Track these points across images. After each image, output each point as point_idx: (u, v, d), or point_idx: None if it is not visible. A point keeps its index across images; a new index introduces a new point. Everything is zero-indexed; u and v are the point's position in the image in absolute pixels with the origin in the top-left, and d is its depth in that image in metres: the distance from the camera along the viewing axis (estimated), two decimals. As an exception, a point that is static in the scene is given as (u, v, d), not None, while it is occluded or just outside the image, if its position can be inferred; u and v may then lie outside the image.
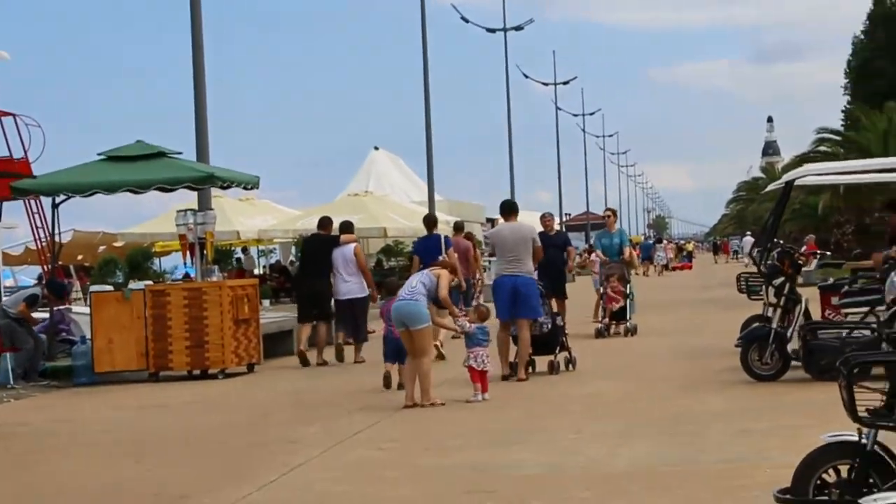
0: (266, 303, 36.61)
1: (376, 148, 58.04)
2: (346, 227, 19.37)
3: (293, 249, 43.64)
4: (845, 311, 13.11)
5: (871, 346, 5.86)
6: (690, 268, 70.79)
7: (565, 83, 78.33)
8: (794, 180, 13.20)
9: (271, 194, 79.25)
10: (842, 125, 52.72)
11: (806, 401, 11.67)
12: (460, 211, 55.72)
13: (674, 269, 70.20)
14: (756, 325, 15.29)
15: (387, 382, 14.33)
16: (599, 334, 20.50)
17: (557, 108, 79.04)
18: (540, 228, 18.92)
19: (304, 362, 18.34)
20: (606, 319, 20.82)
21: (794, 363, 13.16)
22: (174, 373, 17.58)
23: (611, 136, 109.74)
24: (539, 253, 15.06)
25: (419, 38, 38.85)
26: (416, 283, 12.88)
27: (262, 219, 43.60)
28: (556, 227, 24.93)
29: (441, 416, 12.26)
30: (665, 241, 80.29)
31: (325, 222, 19.60)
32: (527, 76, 71.85)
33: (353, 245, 18.89)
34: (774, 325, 13.16)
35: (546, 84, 76.49)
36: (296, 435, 11.47)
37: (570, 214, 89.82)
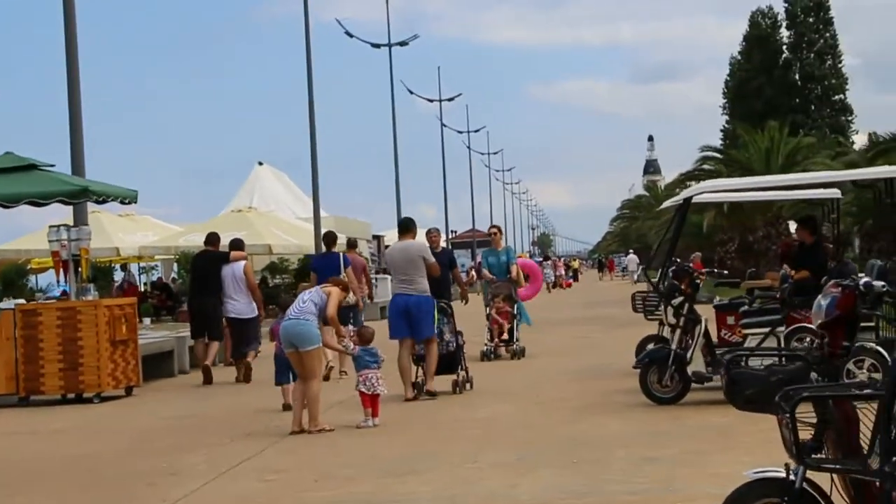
0: (147, 321, 35.66)
1: (260, 163, 57.18)
2: (236, 244, 19.04)
3: (175, 266, 42.62)
4: (745, 331, 12.82)
5: (800, 376, 5.44)
6: (570, 285, 70.86)
7: (450, 100, 78.18)
8: (692, 197, 12.90)
9: (153, 210, 77.74)
10: (721, 144, 53.35)
11: (707, 425, 11.35)
12: (346, 227, 55.08)
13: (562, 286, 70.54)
14: (654, 346, 14.98)
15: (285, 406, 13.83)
16: (485, 357, 19.54)
17: (443, 125, 78.76)
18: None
19: (207, 378, 18.07)
20: (495, 341, 19.99)
21: (693, 385, 12.89)
22: (47, 397, 16.69)
23: (496, 153, 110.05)
24: (434, 270, 14.81)
25: (304, 52, 38.18)
26: (307, 301, 12.39)
27: (142, 235, 42.50)
28: (443, 244, 23.66)
29: (331, 443, 11.67)
30: (553, 259, 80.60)
31: (212, 238, 19.39)
32: (412, 92, 71.53)
33: (242, 262, 18.64)
34: (674, 347, 12.83)
35: (431, 100, 76.14)
36: (177, 465, 10.78)
37: (455, 231, 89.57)
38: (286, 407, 13.59)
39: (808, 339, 14.58)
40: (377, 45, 58.50)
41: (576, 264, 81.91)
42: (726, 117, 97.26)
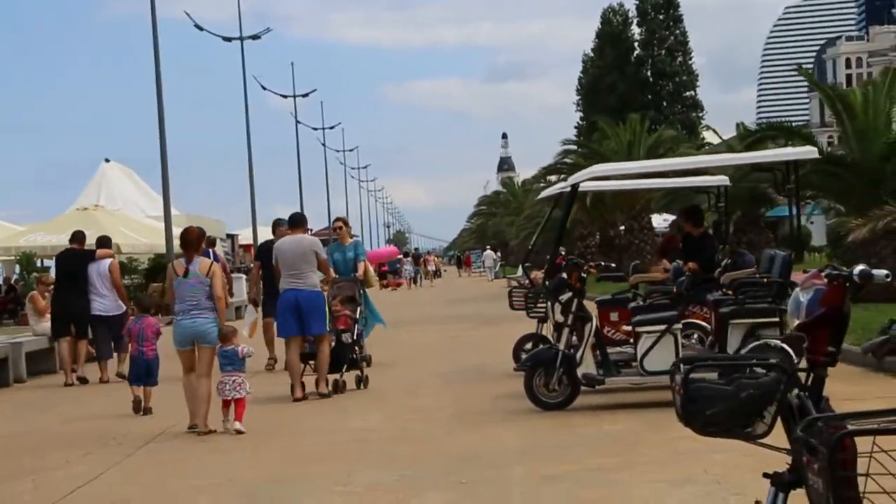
0: (-15, 325, 33.51)
1: (107, 160, 55.19)
2: (103, 241, 19.04)
3: (16, 267, 40.44)
4: (638, 329, 11.76)
5: (774, 390, 4.33)
6: (400, 285, 68.96)
7: (304, 95, 76.47)
8: (579, 183, 11.79)
9: (7, 213, 74.64)
10: (566, 142, 52.97)
11: (603, 434, 10.25)
12: (199, 226, 53.22)
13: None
14: (535, 346, 13.91)
15: (136, 407, 13.52)
16: None
17: (297, 122, 77.04)
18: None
19: (70, 382, 17.81)
20: None
21: (583, 388, 11.81)
22: None
23: (351, 150, 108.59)
24: (325, 266, 14.77)
25: (151, 45, 36.33)
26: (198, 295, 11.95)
27: (-22, 235, 40.32)
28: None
29: (185, 459, 10.26)
30: (427, 254, 79.66)
31: (78, 237, 19.14)
32: (265, 88, 69.64)
33: (108, 260, 18.58)
34: (562, 347, 11.72)
35: (285, 96, 74.48)
36: (-2, 496, 9.27)
37: (311, 229, 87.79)
38: (137, 409, 13.42)
39: (696, 336, 13.69)
40: (228, 39, 56.55)
41: (437, 261, 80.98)
42: (580, 114, 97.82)
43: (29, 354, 19.49)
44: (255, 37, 57.44)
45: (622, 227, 47.83)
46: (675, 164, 14.03)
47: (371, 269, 16.76)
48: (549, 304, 12.19)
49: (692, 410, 4.47)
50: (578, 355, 11.61)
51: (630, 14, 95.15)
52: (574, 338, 11.90)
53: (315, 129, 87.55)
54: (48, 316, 20.39)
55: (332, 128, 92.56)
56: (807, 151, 11.30)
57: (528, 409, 11.70)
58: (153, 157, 35.98)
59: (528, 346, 15.24)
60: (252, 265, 18.62)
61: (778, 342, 11.18)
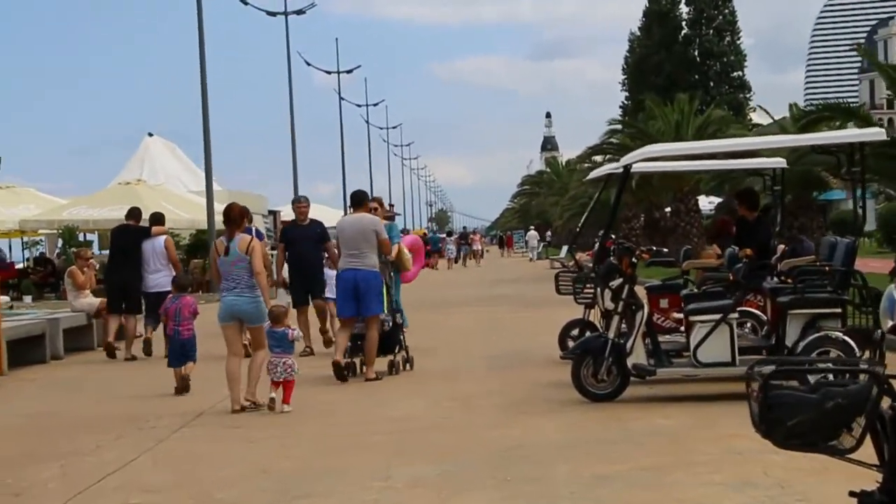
0: (28, 299, 33.32)
1: (150, 134, 55.10)
2: (157, 218, 18.99)
3: (59, 241, 40.28)
4: (691, 318, 11.25)
5: (864, 398, 3.84)
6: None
7: (349, 72, 75.91)
8: (631, 164, 11.26)
9: (45, 185, 74.81)
10: (613, 122, 52.21)
11: (655, 430, 9.73)
12: (241, 202, 52.87)
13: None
14: (582, 333, 13.42)
15: (180, 389, 13.31)
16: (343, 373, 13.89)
17: (341, 98, 76.60)
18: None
19: (111, 354, 17.90)
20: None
21: (633, 379, 11.32)
22: None
23: (394, 128, 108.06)
24: (386, 247, 14.18)
25: (195, 20, 36.00)
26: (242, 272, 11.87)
27: (24, 207, 40.17)
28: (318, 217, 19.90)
29: (216, 450, 9.85)
30: (473, 234, 79.11)
31: (134, 213, 19.15)
32: (309, 64, 69.42)
33: (163, 237, 18.55)
34: (611, 336, 11.23)
35: (329, 72, 74.01)
36: (22, 482, 8.87)
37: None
38: (179, 390, 13.23)
39: (749, 325, 13.16)
40: (273, 14, 56.21)
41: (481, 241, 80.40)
42: (626, 93, 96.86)
43: (67, 331, 19.23)
44: (299, 12, 57.01)
45: (668, 210, 47.10)
46: (732, 146, 13.44)
47: (406, 252, 15.60)
48: (598, 289, 11.68)
49: (772, 420, 3.99)
50: (629, 344, 11.11)
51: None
52: (623, 326, 11.41)
53: (359, 105, 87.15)
54: (87, 292, 20.15)
55: (375, 105, 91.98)
56: (874, 133, 10.71)
57: (575, 399, 11.23)
58: (196, 132, 35.75)
59: (575, 332, 14.78)
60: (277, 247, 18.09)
61: (840, 335, 10.64)
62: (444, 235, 72.97)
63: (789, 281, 11.82)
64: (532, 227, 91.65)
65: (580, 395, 11.23)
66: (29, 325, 18.33)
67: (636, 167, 12.07)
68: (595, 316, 14.78)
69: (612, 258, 11.72)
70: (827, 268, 11.02)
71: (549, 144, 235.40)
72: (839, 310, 10.84)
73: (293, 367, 11.62)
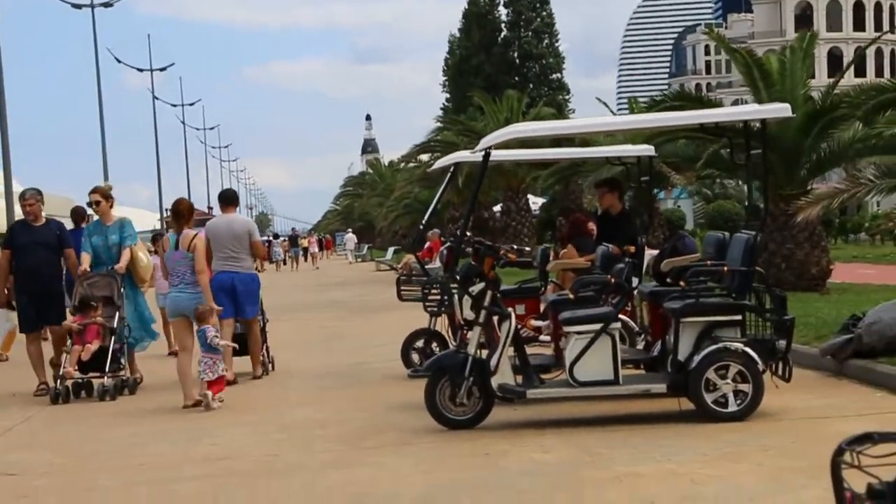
0: None
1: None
2: None
3: None
4: (568, 329, 9.53)
5: None
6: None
7: (162, 69, 73.06)
8: (491, 147, 9.48)
9: None
10: (440, 120, 50.95)
11: (535, 469, 7.87)
12: (47, 203, 49.83)
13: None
14: (438, 348, 11.66)
15: None
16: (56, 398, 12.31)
17: (154, 97, 73.48)
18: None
19: None
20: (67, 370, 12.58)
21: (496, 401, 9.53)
22: None
23: (212, 128, 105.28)
24: (259, 248, 13.77)
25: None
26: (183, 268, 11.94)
27: None
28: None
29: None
30: (309, 235, 76.88)
31: None
32: (120, 61, 66.21)
33: None
34: (472, 351, 9.42)
35: (141, 70, 70.94)
36: None
37: (168, 210, 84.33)
38: None
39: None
40: (78, 6, 53.12)
41: (305, 243, 77.99)
42: (447, 94, 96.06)
43: None
44: (106, 4, 54.01)
45: (497, 209, 45.85)
46: (610, 125, 11.78)
47: (143, 257, 13.47)
48: (453, 296, 9.87)
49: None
50: (493, 361, 9.32)
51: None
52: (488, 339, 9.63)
53: (174, 105, 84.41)
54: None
55: (191, 104, 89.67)
56: (779, 109, 9.20)
57: (429, 426, 9.39)
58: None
59: (420, 343, 13.00)
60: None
61: (741, 346, 9.06)
62: (269, 238, 70.58)
63: (671, 283, 10.22)
64: (350, 229, 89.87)
65: (435, 421, 9.40)
66: None
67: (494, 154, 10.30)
68: (442, 325, 13.04)
69: (470, 260, 9.93)
70: (725, 268, 9.40)
71: (369, 147, 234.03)
72: (739, 317, 9.25)
73: (217, 366, 11.34)
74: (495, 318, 9.49)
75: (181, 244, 11.97)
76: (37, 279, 13.18)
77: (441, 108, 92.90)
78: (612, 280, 9.82)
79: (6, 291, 13.52)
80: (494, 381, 9.30)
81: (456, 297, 9.68)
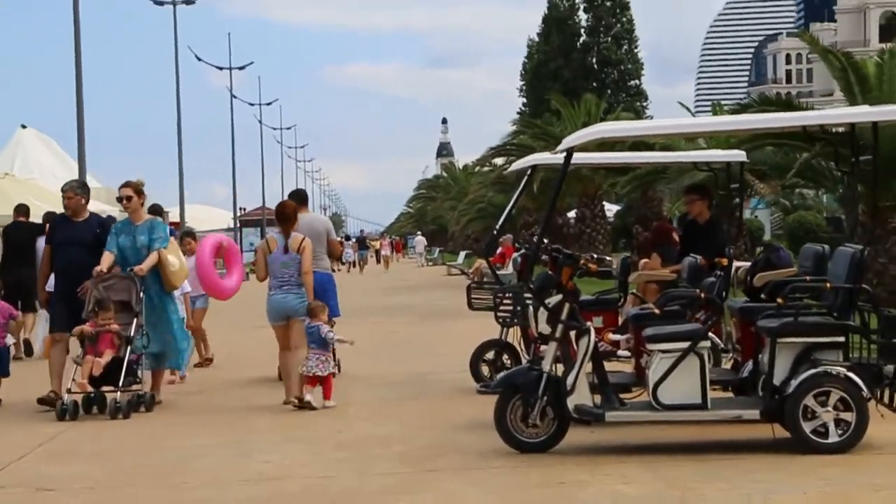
0: None
1: (24, 126, 51.87)
2: (22, 210, 18.13)
3: None
4: (652, 346, 8.77)
5: None
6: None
7: (241, 68, 72.92)
8: (573, 148, 8.71)
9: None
10: (517, 123, 50.14)
11: (618, 502, 7.15)
12: (155, 202, 49.74)
13: None
14: (509, 363, 10.93)
15: None
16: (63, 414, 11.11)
17: (232, 95, 73.42)
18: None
19: (28, 351, 16.79)
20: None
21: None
22: None
23: (288, 128, 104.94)
24: (336, 247, 14.01)
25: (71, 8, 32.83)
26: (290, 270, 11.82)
27: None
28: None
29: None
30: (381, 238, 76.41)
31: (23, 209, 18.21)
32: (199, 59, 66.25)
33: None
34: (547, 368, 8.67)
35: (221, 68, 70.90)
36: None
37: (244, 209, 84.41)
38: None
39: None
40: (160, 3, 53.07)
41: (376, 245, 77.52)
42: (524, 99, 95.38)
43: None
44: (188, 2, 53.91)
45: (571, 216, 44.99)
46: (710, 125, 10.77)
47: (175, 262, 12.24)
48: (528, 308, 9.12)
49: None
50: (569, 380, 8.56)
51: (577, 0, 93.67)
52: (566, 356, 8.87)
53: (251, 104, 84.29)
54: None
55: (269, 104, 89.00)
56: (890, 112, 8.36)
57: (498, 449, 8.66)
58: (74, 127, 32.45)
59: (490, 355, 12.26)
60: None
61: (843, 370, 8.23)
62: (340, 240, 70.24)
63: (765, 298, 9.39)
64: (419, 232, 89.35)
65: (505, 442, 8.66)
66: None
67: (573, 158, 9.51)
68: (514, 337, 12.29)
69: (546, 269, 9.18)
70: (827, 284, 8.56)
71: (444, 150, 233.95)
72: (842, 338, 8.40)
73: (329, 363, 11.44)
74: (572, 333, 8.74)
75: (291, 247, 11.84)
76: (68, 279, 12.06)
77: (517, 113, 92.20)
78: (702, 295, 9.02)
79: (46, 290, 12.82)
80: (570, 402, 8.55)
81: (531, 308, 8.94)
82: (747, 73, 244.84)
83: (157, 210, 18.57)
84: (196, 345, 15.27)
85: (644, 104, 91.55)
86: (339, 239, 16.72)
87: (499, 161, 49.03)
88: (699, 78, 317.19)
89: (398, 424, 10.35)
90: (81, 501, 7.64)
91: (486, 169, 57.39)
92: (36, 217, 25.41)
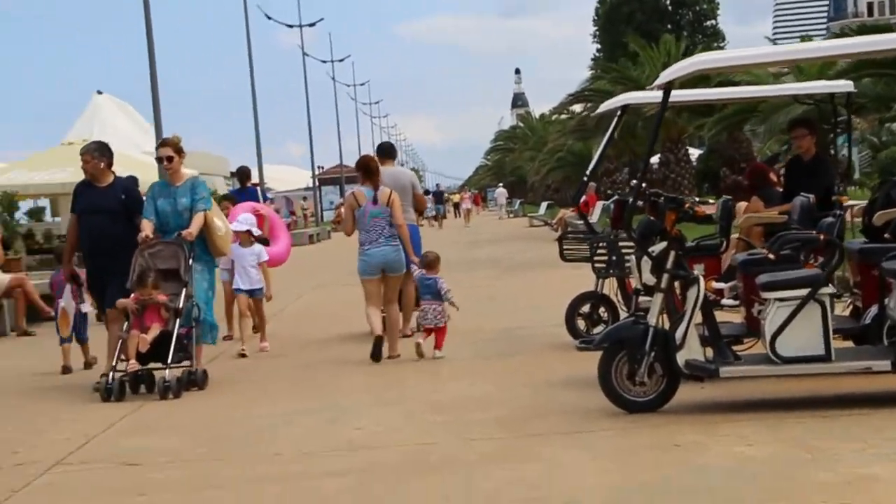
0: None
1: (100, 92, 51.95)
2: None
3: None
4: (767, 295, 8.14)
5: None
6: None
7: (311, 25, 72.57)
8: (672, 83, 8.06)
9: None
10: (594, 68, 49.08)
11: (742, 467, 6.53)
12: (200, 163, 49.55)
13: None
14: (624, 320, 10.32)
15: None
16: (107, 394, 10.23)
17: (305, 54, 73.10)
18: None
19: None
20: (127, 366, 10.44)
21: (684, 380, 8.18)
22: None
23: (362, 84, 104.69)
24: (421, 200, 13.91)
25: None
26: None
27: (-46, 175, 36.89)
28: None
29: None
30: (461, 191, 75.96)
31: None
32: (269, 17, 66.09)
33: None
34: (653, 321, 8.08)
35: (291, 26, 70.62)
36: None
37: (322, 167, 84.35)
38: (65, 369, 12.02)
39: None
40: (229, -37, 52.81)
41: (456, 198, 77.01)
42: (597, 45, 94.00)
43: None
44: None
45: (654, 161, 44.06)
46: (822, 50, 9.92)
47: (221, 225, 11.27)
48: (633, 258, 8.51)
49: None
50: (678, 333, 7.97)
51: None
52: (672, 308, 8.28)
53: (324, 61, 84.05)
54: (-10, 266, 17.11)
55: (341, 60, 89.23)
56: None
57: (604, 408, 8.10)
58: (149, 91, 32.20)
59: (586, 309, 11.69)
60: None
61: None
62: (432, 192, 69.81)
63: (888, 238, 8.70)
64: (500, 184, 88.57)
65: (611, 402, 8.10)
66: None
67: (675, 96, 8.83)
68: (610, 288, 11.69)
69: (646, 216, 8.57)
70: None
71: (519, 101, 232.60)
72: None
73: (445, 313, 11.51)
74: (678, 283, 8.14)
75: (380, 200, 11.77)
76: (96, 251, 11.08)
77: (592, 59, 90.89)
78: (822, 237, 8.34)
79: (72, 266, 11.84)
80: (680, 357, 7.95)
81: (633, 258, 8.34)
82: (826, 7, 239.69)
83: (244, 173, 18.43)
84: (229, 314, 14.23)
85: (721, 44, 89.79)
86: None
87: (577, 108, 48.17)
88: (776, 14, 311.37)
89: (493, 384, 9.82)
90: (167, 477, 7.21)
91: (563, 117, 56.54)
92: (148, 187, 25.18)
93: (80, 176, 11.47)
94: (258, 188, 19.14)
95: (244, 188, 17.63)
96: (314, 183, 72.67)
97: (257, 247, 13.30)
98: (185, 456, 7.77)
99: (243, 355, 12.56)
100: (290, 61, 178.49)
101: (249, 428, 8.67)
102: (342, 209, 12.90)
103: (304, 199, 72.94)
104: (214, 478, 7.13)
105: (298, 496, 6.53)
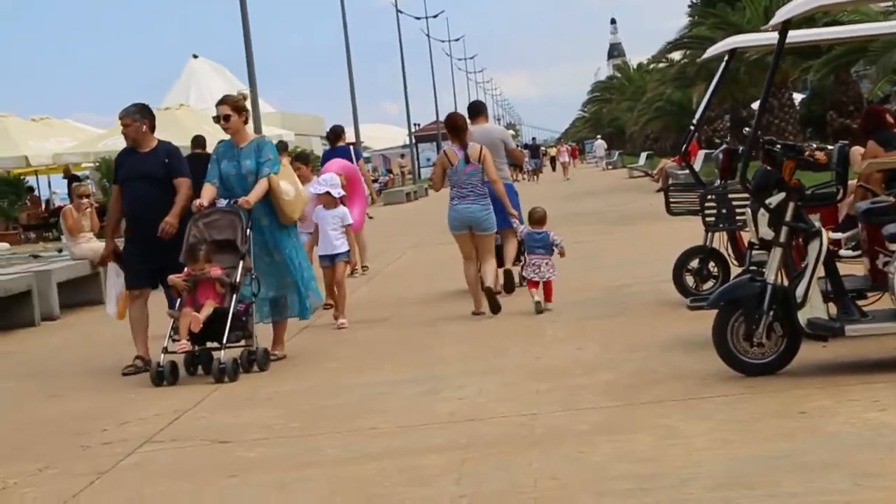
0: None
1: (195, 56, 52.23)
2: (199, 141, 18.15)
3: (94, 175, 37.17)
4: (892, 246, 7.58)
5: None
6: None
7: (405, -19, 72.22)
8: (791, 20, 7.47)
9: (91, 118, 71.90)
10: (689, 19, 47.70)
11: (879, 434, 6.01)
12: (295, 123, 49.76)
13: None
14: (740, 277, 9.79)
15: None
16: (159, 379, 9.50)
17: (398, 11, 72.72)
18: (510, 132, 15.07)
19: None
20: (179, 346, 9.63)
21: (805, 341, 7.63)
22: None
23: (456, 40, 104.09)
24: (517, 155, 14.09)
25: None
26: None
27: (56, 141, 37.11)
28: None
29: (172, 492, 6.36)
30: (558, 144, 75.14)
31: (200, 141, 18.18)
32: (361, -26, 65.57)
33: None
34: (771, 278, 7.53)
35: (384, -18, 70.24)
36: None
37: (419, 125, 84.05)
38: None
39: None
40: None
41: (553, 151, 76.11)
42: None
43: (65, 284, 16.00)
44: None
45: (756, 107, 42.94)
46: None
47: (289, 189, 10.13)
48: (750, 211, 7.94)
49: None
50: (799, 290, 7.41)
51: None
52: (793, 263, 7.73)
53: (417, 18, 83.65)
54: (88, 235, 16.94)
55: (435, 16, 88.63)
56: None
57: (720, 371, 7.59)
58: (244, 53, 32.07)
59: (695, 264, 11.13)
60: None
61: None
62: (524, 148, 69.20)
63: None
64: (599, 136, 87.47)
65: (727, 365, 7.58)
66: (8, 281, 14.97)
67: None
68: (720, 241, 11.12)
69: (762, 165, 7.98)
70: None
71: (615, 51, 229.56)
72: None
73: (555, 267, 11.61)
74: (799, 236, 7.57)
75: (471, 156, 11.72)
76: (139, 222, 10.33)
77: (689, 6, 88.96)
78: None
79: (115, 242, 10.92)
80: (802, 315, 7.40)
81: (749, 211, 7.78)
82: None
83: (336, 132, 18.37)
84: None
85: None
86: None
87: (675, 56, 47.15)
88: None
89: (600, 346, 9.35)
90: (258, 455, 6.87)
91: (662, 65, 55.43)
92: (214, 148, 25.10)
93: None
94: (351, 147, 19.07)
95: (335, 147, 18.05)
96: (410, 140, 72.40)
97: (341, 209, 12.42)
98: (278, 432, 7.42)
99: (342, 326, 12.03)
100: (383, 19, 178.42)
101: (346, 399, 8.31)
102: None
103: (402, 156, 72.80)
104: (307, 455, 6.76)
105: (396, 476, 6.12)
